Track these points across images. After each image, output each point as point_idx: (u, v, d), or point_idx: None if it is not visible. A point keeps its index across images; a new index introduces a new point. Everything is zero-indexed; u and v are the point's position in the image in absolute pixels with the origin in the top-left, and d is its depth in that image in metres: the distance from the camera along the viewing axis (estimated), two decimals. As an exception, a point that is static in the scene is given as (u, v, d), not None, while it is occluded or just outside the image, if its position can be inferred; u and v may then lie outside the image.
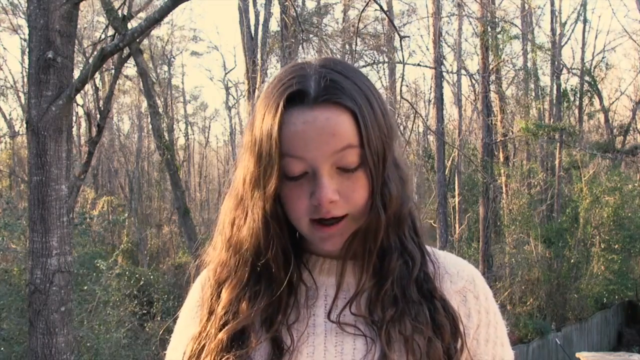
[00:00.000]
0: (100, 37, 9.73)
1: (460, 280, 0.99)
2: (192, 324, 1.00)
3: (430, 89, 18.08)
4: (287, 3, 9.66)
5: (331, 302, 0.94)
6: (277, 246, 0.92)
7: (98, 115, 8.97)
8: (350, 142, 0.87)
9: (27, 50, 4.37)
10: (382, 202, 0.90)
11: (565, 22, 18.43)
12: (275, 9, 13.10)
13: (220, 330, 0.93)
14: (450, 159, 17.26)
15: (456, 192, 17.09)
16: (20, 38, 19.02)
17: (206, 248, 1.03)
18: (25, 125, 4.22)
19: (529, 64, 18.75)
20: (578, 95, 18.56)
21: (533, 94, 18.97)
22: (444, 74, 16.67)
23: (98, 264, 9.47)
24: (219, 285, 0.98)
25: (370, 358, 0.89)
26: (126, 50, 9.01)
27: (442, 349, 0.90)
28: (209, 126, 34.30)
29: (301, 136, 0.86)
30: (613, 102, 21.21)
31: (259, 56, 12.73)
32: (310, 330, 0.93)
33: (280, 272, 0.93)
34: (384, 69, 20.42)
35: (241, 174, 0.94)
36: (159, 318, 11.41)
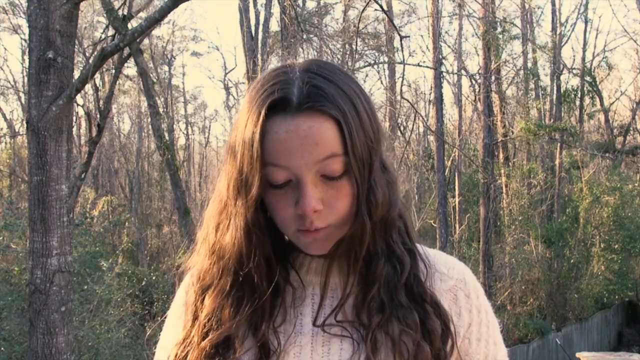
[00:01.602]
0: (100, 37, 9.75)
1: (451, 279, 0.98)
2: (178, 324, 1.00)
3: (431, 89, 18.08)
4: (287, 3, 9.66)
5: (318, 303, 0.94)
6: (259, 255, 0.91)
7: (98, 115, 8.98)
8: (334, 151, 0.85)
9: (28, 50, 4.38)
10: (367, 208, 0.88)
11: (566, 22, 18.44)
12: (276, 9, 13.12)
13: (204, 338, 0.93)
14: (451, 159, 17.26)
15: (456, 192, 17.09)
16: (21, 38, 19.06)
17: (191, 253, 1.02)
18: (25, 125, 4.23)
19: (529, 64, 18.77)
20: (578, 96, 18.56)
21: (533, 94, 18.97)
22: (444, 74, 16.69)
23: (101, 264, 9.48)
24: (202, 292, 0.97)
25: (356, 358, 0.89)
26: (126, 50, 9.01)
27: (432, 353, 0.90)
28: (209, 126, 34.37)
29: (284, 145, 0.84)
30: (613, 102, 21.22)
31: (259, 56, 12.74)
32: (298, 330, 0.93)
33: (262, 281, 0.92)
34: (384, 69, 20.44)
35: (225, 179, 0.92)
36: (159, 318, 11.39)
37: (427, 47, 16.90)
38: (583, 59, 18.79)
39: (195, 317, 0.96)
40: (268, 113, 0.85)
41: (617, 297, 16.39)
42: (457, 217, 17.06)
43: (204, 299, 0.96)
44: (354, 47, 13.48)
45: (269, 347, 0.91)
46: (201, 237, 0.99)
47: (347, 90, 0.88)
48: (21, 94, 19.67)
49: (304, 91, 0.85)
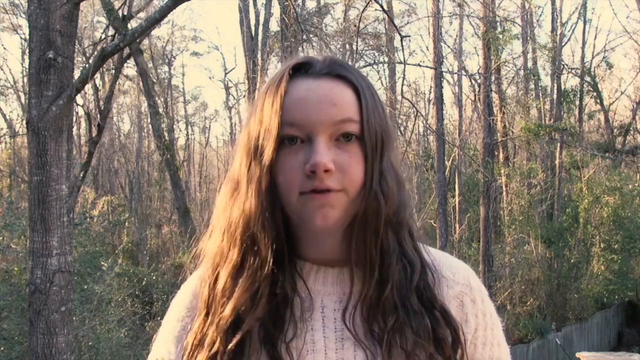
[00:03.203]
0: (100, 37, 9.75)
1: (457, 284, 0.97)
2: (183, 334, 0.96)
3: (431, 89, 18.08)
4: (287, 3, 9.66)
5: (329, 314, 0.92)
6: (268, 218, 0.88)
7: (98, 115, 8.97)
8: (351, 116, 0.87)
9: (28, 50, 4.38)
10: (383, 189, 0.88)
11: (566, 22, 18.45)
12: (276, 9, 13.11)
13: (222, 312, 0.90)
14: (451, 159, 17.26)
15: (456, 192, 17.09)
16: (21, 38, 19.05)
17: (202, 240, 1.00)
18: (25, 125, 4.22)
19: (529, 64, 18.77)
20: (578, 95, 18.56)
21: (533, 94, 18.98)
22: (444, 74, 16.70)
23: (103, 263, 9.49)
24: (215, 270, 0.95)
25: None
26: (126, 50, 9.01)
27: None
28: (209, 126, 34.37)
29: (303, 102, 0.86)
30: (613, 102, 21.21)
31: (259, 56, 12.74)
32: (310, 347, 0.91)
33: (265, 245, 0.89)
34: (384, 69, 20.45)
35: (238, 158, 0.93)
36: (159, 318, 11.42)
37: (427, 47, 16.92)
38: (582, 58, 18.80)
39: (209, 305, 0.93)
40: (292, 74, 0.89)
41: (617, 297, 16.39)
42: (457, 217, 17.06)
43: (217, 279, 0.94)
44: (354, 47, 13.48)
45: None
46: (212, 221, 0.98)
47: (363, 77, 0.93)
48: (21, 94, 19.67)
49: (326, 61, 0.91)
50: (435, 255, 0.99)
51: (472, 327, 0.96)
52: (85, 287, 8.58)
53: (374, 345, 0.89)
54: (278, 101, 0.86)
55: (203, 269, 0.98)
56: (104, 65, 9.23)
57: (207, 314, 0.93)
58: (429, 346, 0.88)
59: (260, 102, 0.91)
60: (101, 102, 11.11)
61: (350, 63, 0.98)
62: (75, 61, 4.94)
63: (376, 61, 18.17)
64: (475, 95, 17.71)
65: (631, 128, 20.55)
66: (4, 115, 20.32)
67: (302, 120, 0.85)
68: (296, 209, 0.87)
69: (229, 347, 0.88)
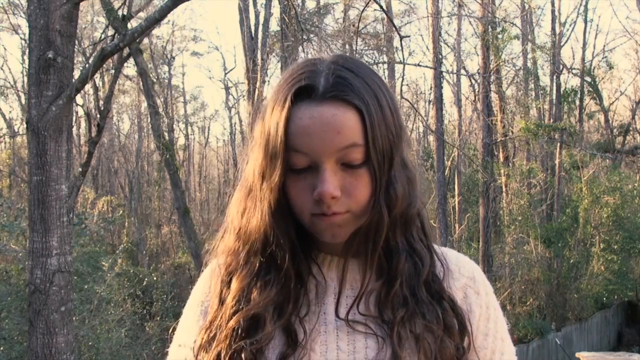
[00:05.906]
0: (100, 37, 9.75)
1: (462, 277, 1.01)
2: (200, 318, 1.01)
3: (430, 89, 18.08)
4: (287, 3, 9.66)
5: (342, 300, 0.95)
6: (283, 237, 0.92)
7: (98, 115, 8.99)
8: (355, 141, 0.87)
9: (28, 50, 4.38)
10: (387, 201, 0.90)
11: (565, 22, 18.45)
12: (276, 9, 13.10)
13: (231, 318, 0.93)
14: (450, 159, 17.26)
15: (456, 192, 17.09)
16: (21, 38, 19.02)
17: (216, 238, 1.03)
18: (25, 125, 4.22)
19: (529, 64, 18.77)
20: (578, 95, 18.57)
21: (533, 94, 18.97)
22: (444, 74, 16.69)
23: (103, 263, 9.49)
24: (229, 275, 0.98)
25: (382, 356, 0.90)
26: (126, 50, 9.01)
27: (453, 348, 0.92)
28: (209, 126, 34.36)
29: (306, 131, 0.87)
30: (613, 102, 21.22)
31: (259, 56, 12.74)
32: (322, 327, 0.94)
33: (285, 263, 0.93)
34: (384, 69, 20.43)
35: (251, 166, 0.95)
36: (158, 318, 11.42)
37: (427, 47, 16.91)
38: (583, 58, 18.80)
39: (221, 302, 0.97)
40: (294, 100, 0.88)
41: (616, 297, 16.40)
42: (456, 217, 17.06)
43: (230, 281, 0.98)
44: (354, 47, 13.48)
45: (295, 337, 0.92)
46: (226, 223, 1.01)
47: (371, 84, 0.91)
48: (21, 94, 19.65)
49: (330, 81, 0.88)
50: (440, 250, 1.03)
51: (475, 318, 0.99)
52: (85, 287, 8.58)
53: (384, 331, 0.92)
54: (282, 128, 0.87)
55: (215, 264, 1.03)
56: (104, 65, 9.23)
57: (219, 309, 0.97)
58: (439, 331, 0.92)
59: (267, 119, 0.91)
60: (101, 102, 11.11)
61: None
62: (75, 61, 4.94)
63: (376, 61, 18.15)
64: (475, 95, 17.71)
65: (631, 128, 20.56)
66: (3, 115, 20.32)
67: (307, 149, 0.87)
68: (308, 225, 0.92)
69: (245, 338, 0.92)
